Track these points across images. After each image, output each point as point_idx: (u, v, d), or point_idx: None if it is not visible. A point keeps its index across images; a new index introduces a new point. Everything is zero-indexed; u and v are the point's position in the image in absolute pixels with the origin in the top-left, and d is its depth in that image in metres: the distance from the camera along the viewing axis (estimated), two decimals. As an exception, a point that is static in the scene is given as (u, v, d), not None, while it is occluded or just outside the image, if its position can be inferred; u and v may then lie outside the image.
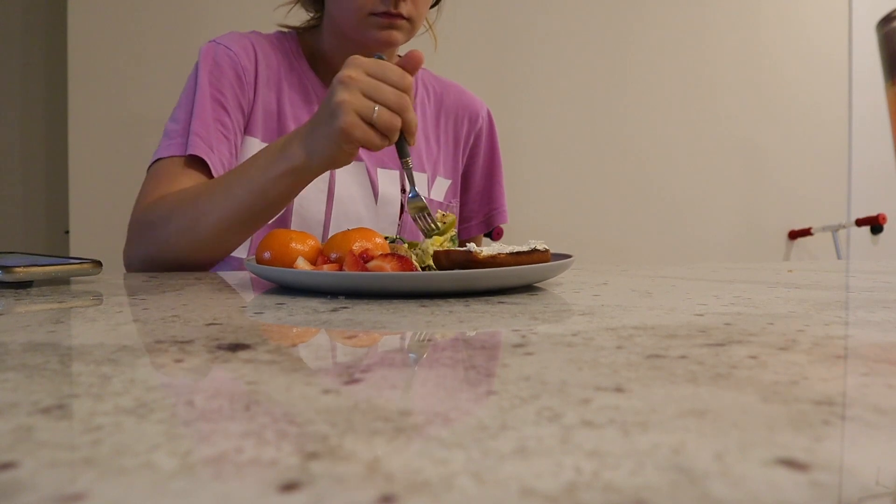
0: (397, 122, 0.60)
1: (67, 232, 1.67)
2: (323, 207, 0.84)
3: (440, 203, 0.96)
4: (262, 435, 0.17)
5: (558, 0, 2.04)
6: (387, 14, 0.79)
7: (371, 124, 0.59)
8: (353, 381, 0.23)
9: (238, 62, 0.82)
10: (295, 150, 0.64)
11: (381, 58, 0.64)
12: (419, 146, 0.94)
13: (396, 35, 0.81)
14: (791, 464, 0.15)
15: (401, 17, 0.79)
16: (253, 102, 0.83)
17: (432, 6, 0.93)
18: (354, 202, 0.86)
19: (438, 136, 0.97)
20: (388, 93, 0.59)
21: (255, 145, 0.83)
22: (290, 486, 0.14)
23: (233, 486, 0.14)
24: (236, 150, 0.82)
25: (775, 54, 2.29)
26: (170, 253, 0.70)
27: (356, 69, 0.60)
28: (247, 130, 0.83)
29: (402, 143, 0.62)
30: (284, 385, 0.22)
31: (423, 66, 0.83)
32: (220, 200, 0.68)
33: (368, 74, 0.60)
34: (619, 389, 0.21)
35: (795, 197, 2.32)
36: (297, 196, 0.80)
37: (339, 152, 0.62)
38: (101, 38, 1.65)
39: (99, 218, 1.63)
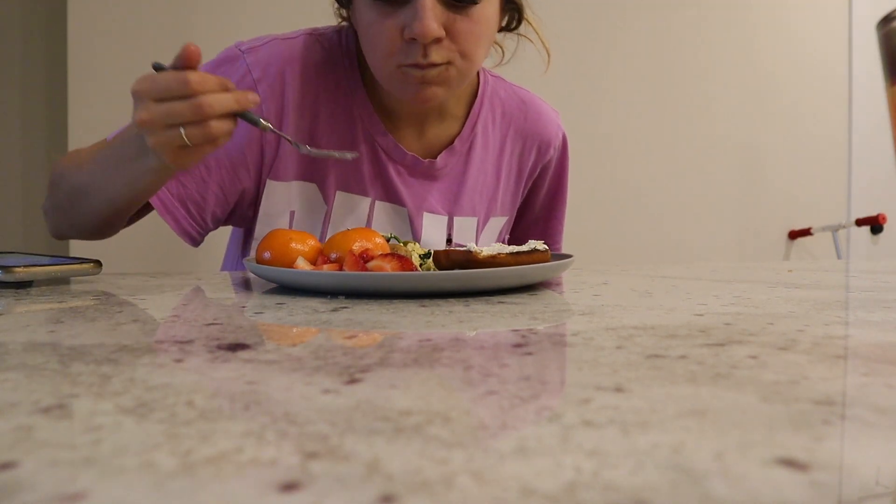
0: (211, 129, 0.54)
1: (67, 232, 1.66)
2: None
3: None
4: (262, 435, 0.17)
5: (565, 3, 2.04)
6: (417, 66, 0.64)
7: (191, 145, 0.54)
8: (353, 381, 0.23)
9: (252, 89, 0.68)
10: (149, 161, 0.59)
11: (160, 67, 0.56)
12: (473, 186, 0.80)
13: (433, 92, 0.66)
14: (791, 464, 0.15)
15: (434, 65, 0.64)
16: (278, 145, 0.72)
17: (511, 28, 0.76)
18: None
19: (500, 168, 0.83)
20: (182, 111, 0.53)
21: (283, 189, 0.73)
22: (290, 486, 0.14)
23: (233, 486, 0.14)
24: (225, 175, 0.71)
25: (775, 54, 2.29)
26: (59, 215, 0.71)
27: (142, 108, 0.54)
28: (272, 175, 0.73)
29: (248, 117, 0.57)
30: (284, 385, 0.22)
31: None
32: (94, 196, 0.65)
33: (156, 101, 0.53)
34: (619, 389, 0.21)
35: (795, 197, 2.32)
36: None
37: (185, 165, 0.57)
38: (101, 38, 1.65)
39: (99, 218, 1.62)
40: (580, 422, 0.18)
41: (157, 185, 0.64)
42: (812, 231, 2.27)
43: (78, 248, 1.64)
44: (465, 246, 0.50)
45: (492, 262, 0.48)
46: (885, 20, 0.37)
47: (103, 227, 0.71)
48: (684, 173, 2.19)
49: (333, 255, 0.52)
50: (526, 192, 0.89)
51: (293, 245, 0.53)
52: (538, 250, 0.51)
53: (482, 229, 0.83)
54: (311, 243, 0.54)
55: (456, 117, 0.80)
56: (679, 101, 2.18)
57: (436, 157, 0.79)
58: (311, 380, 0.23)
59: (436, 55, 0.63)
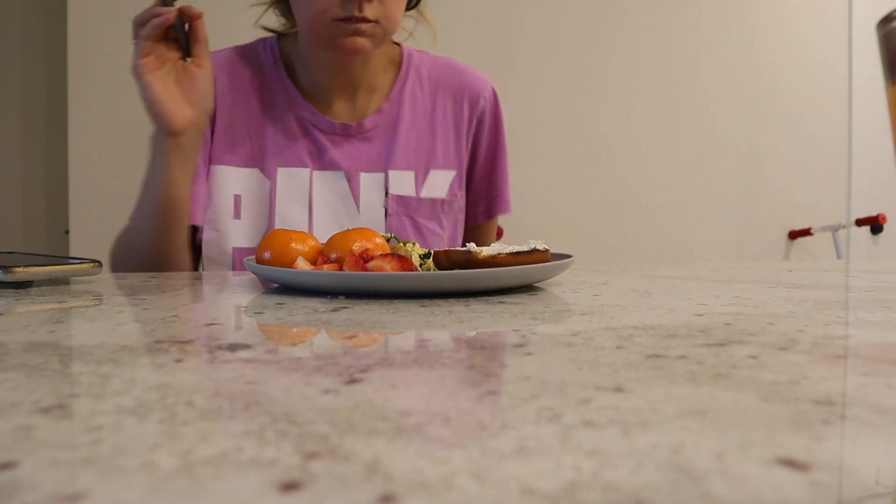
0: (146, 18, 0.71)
1: (67, 232, 1.67)
2: (305, 223, 0.83)
3: (441, 200, 0.89)
4: (262, 435, 0.17)
5: (565, 3, 2.04)
6: (350, 19, 0.75)
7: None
8: (353, 381, 0.23)
9: None
10: (152, 138, 0.75)
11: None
12: (406, 142, 0.87)
13: (362, 42, 0.77)
14: (791, 464, 0.15)
15: (366, 20, 0.75)
16: (213, 130, 0.83)
17: (411, 7, 0.88)
18: (335, 214, 0.84)
19: (434, 125, 0.90)
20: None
21: (227, 173, 0.83)
22: (290, 486, 0.14)
23: (233, 486, 0.14)
24: (202, 166, 0.82)
25: (775, 54, 2.29)
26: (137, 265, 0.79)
27: None
28: (212, 160, 0.83)
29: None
30: (284, 385, 0.22)
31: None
32: (141, 211, 0.78)
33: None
34: (619, 389, 0.21)
35: (795, 197, 2.32)
36: (279, 213, 0.83)
37: (144, 94, 0.72)
38: (101, 38, 1.65)
39: (99, 218, 1.63)
40: (580, 422, 0.18)
41: (176, 156, 0.74)
42: (812, 231, 2.27)
43: (78, 248, 1.64)
44: (467, 246, 0.50)
45: (492, 262, 0.48)
46: (885, 20, 0.37)
47: (164, 252, 0.78)
48: (684, 173, 2.19)
49: (333, 255, 0.52)
50: (470, 146, 0.94)
51: (293, 245, 0.53)
52: (538, 250, 0.51)
53: (422, 183, 0.88)
54: (311, 243, 0.54)
55: (383, 90, 0.89)
56: (679, 101, 2.18)
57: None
58: (311, 380, 0.23)
59: (368, 10, 0.75)
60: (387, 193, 0.86)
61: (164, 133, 0.73)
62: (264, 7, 0.88)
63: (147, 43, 0.71)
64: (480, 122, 0.93)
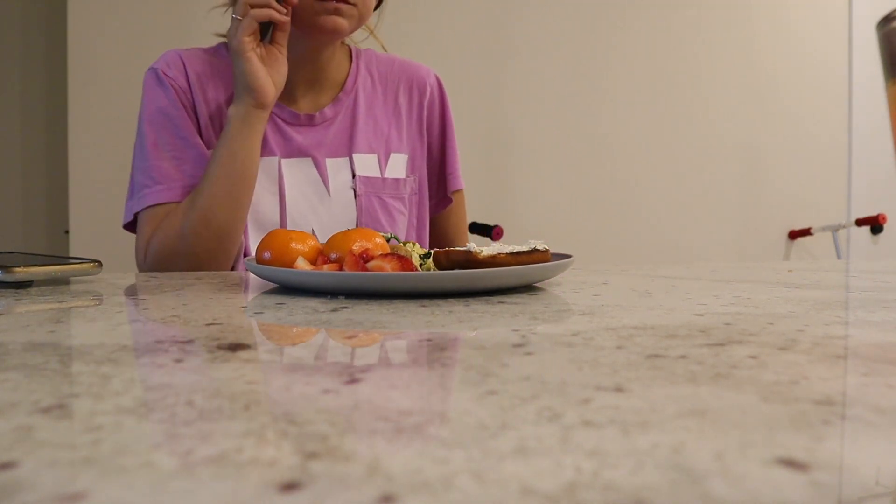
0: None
1: (67, 232, 1.67)
2: (277, 209, 0.86)
3: (401, 180, 0.95)
4: (262, 435, 0.17)
5: (565, 3, 2.04)
6: None
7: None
8: (353, 381, 0.23)
9: (176, 83, 0.86)
10: (235, 110, 0.80)
11: None
12: (365, 128, 0.93)
13: (341, 22, 0.82)
14: (791, 464, 0.15)
15: (346, 2, 0.81)
16: (197, 120, 0.88)
17: (375, 7, 0.93)
18: (307, 198, 0.88)
19: (388, 112, 0.97)
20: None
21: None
22: (290, 486, 0.14)
23: (233, 486, 0.14)
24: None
25: (775, 54, 2.29)
26: (196, 260, 0.80)
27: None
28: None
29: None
30: (284, 385, 0.22)
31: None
32: (206, 188, 0.79)
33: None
34: (619, 389, 0.21)
35: (795, 197, 2.32)
36: (251, 203, 0.85)
37: (244, 68, 0.78)
38: (101, 38, 1.65)
39: (99, 218, 1.63)
40: (580, 422, 0.18)
41: (261, 127, 0.81)
42: (812, 231, 2.27)
43: (78, 248, 1.64)
44: (467, 246, 0.50)
45: (492, 262, 0.48)
46: (885, 20, 0.37)
47: (237, 224, 0.81)
48: (684, 173, 2.19)
49: (333, 255, 0.52)
50: (425, 130, 1.00)
51: (293, 245, 0.53)
52: (538, 250, 0.51)
53: (385, 166, 0.94)
54: (311, 243, 0.54)
55: (339, 83, 0.95)
56: (679, 101, 2.18)
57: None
58: (311, 380, 0.23)
59: None
60: (354, 175, 0.91)
61: (257, 105, 0.79)
62: (225, 6, 0.91)
63: (255, 23, 0.77)
64: (431, 108, 1.00)
